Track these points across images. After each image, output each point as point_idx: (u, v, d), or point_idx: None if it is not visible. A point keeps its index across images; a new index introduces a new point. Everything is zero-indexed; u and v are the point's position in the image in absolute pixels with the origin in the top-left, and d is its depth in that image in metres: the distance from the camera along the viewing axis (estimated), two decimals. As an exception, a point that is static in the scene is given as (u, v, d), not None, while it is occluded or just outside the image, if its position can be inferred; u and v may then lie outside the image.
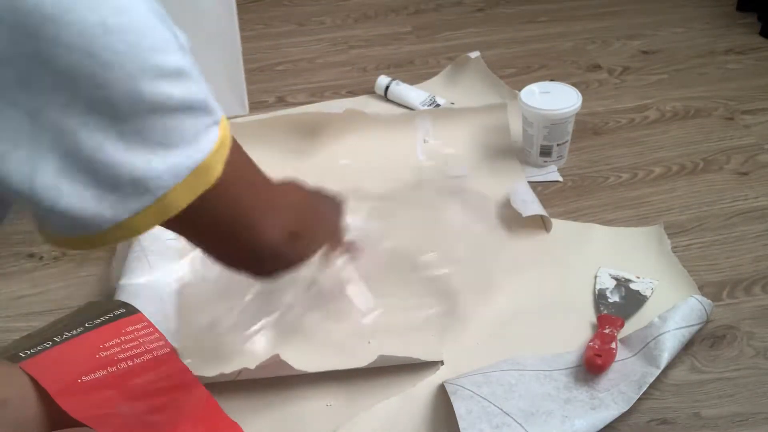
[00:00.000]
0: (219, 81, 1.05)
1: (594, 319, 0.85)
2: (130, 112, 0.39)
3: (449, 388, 0.75)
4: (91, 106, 0.38)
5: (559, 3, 1.60)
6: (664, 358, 0.78)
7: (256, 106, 1.32)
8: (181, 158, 0.43)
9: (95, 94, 0.37)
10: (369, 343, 0.83)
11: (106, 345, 0.70)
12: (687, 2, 1.56)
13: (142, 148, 0.41)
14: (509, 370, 0.78)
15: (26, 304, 0.92)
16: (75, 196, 0.40)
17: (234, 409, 0.77)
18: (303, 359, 0.78)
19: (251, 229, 0.55)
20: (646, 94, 1.28)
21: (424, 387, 0.79)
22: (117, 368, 0.68)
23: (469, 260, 0.94)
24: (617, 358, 0.79)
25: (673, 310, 0.82)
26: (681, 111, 1.23)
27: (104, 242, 0.44)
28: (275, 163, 1.08)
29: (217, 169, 0.45)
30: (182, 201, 0.44)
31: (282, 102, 1.33)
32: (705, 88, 1.28)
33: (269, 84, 1.38)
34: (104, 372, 0.67)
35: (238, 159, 0.51)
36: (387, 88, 1.29)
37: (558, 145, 1.09)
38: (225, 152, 0.47)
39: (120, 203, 0.42)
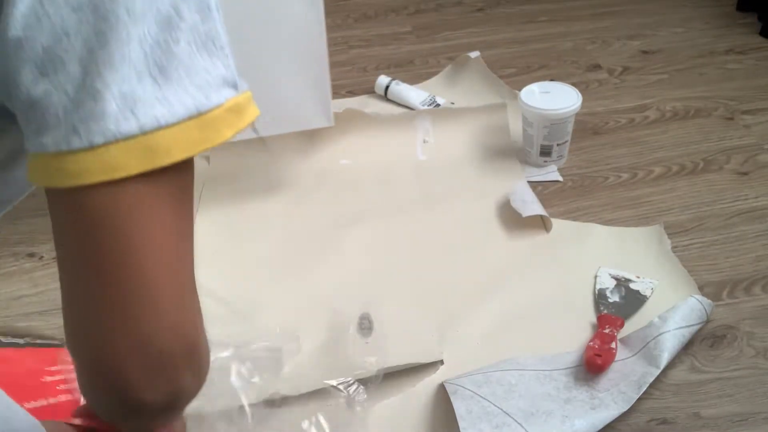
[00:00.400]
0: (303, 91, 0.93)
1: (594, 319, 0.85)
2: (138, 13, 0.34)
3: (449, 388, 0.75)
4: None
5: (559, 3, 1.60)
6: (664, 358, 0.78)
7: (256, 106, 1.32)
8: (182, 95, 0.36)
9: None
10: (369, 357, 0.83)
11: (51, 369, 0.67)
12: (687, 2, 1.56)
13: (141, 62, 0.34)
14: (509, 370, 0.78)
15: (26, 304, 0.92)
16: (55, 83, 0.34)
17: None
18: (300, 379, 0.78)
19: (154, 293, 0.37)
20: (646, 94, 1.28)
21: (424, 387, 0.79)
22: (57, 400, 0.66)
23: (469, 260, 0.94)
24: (617, 357, 0.79)
25: (673, 309, 0.82)
26: (681, 111, 1.23)
27: (76, 174, 0.35)
28: (274, 161, 1.10)
29: (226, 133, 0.37)
30: (177, 151, 0.36)
31: (282, 102, 1.33)
32: (705, 88, 1.28)
33: (269, 84, 1.38)
34: (44, 402, 0.65)
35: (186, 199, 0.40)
36: (387, 87, 1.29)
37: (558, 145, 1.09)
38: (239, 124, 0.38)
39: (99, 119, 0.34)
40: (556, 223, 0.99)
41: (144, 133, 0.35)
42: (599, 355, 0.78)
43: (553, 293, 0.89)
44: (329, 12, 1.65)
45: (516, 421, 0.72)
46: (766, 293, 0.88)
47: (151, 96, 0.35)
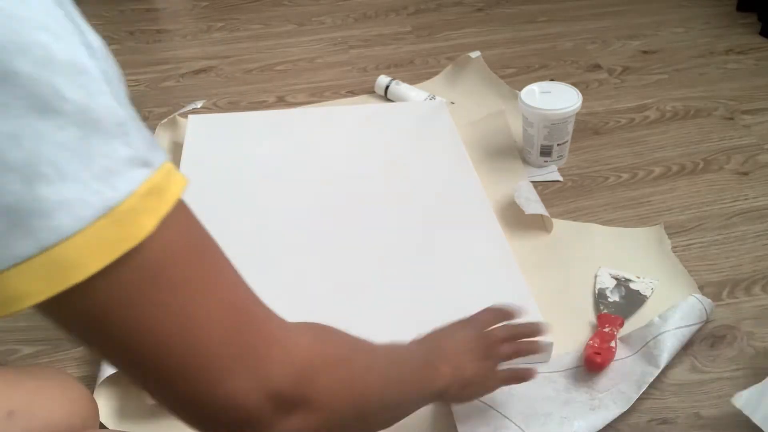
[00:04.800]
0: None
1: (593, 320, 0.85)
2: (3, 107, 0.28)
3: None
4: None
5: (559, 3, 1.60)
6: (664, 358, 0.78)
7: (255, 106, 1.32)
8: (85, 193, 0.29)
9: None
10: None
11: None
12: (687, 2, 1.56)
13: (22, 163, 0.28)
14: None
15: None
16: None
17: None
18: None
19: (205, 371, 0.35)
20: (646, 94, 1.28)
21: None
22: None
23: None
24: (617, 357, 0.79)
25: (673, 309, 0.82)
26: (681, 111, 1.23)
27: None
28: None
29: (147, 223, 0.31)
30: (91, 261, 0.30)
31: (282, 102, 1.33)
32: (705, 88, 1.28)
33: (269, 84, 1.38)
34: None
35: (194, 237, 0.35)
36: (387, 87, 1.29)
37: (558, 145, 1.09)
38: (162, 208, 0.32)
39: None
40: (557, 224, 0.99)
41: (44, 250, 0.29)
42: (598, 354, 0.78)
43: (552, 294, 0.89)
44: (329, 12, 1.66)
45: (515, 423, 0.72)
46: (766, 293, 0.89)
47: (46, 203, 0.29)
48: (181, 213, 0.34)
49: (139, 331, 0.33)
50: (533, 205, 0.98)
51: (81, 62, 0.30)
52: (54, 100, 0.29)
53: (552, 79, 1.20)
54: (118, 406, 0.78)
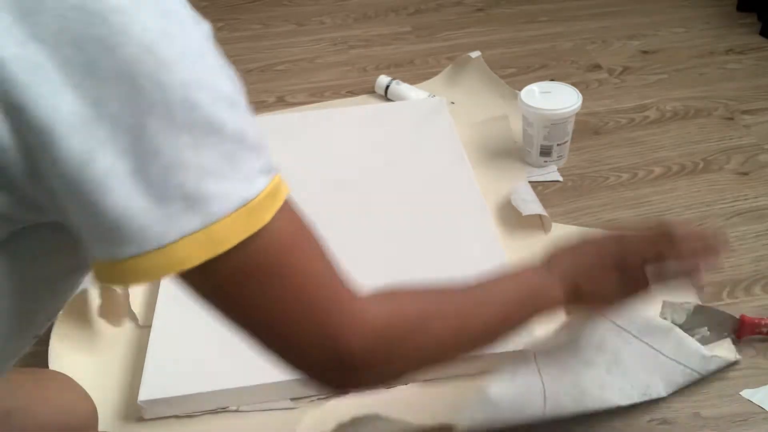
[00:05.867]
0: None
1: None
2: (186, 123, 0.39)
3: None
4: (149, 105, 0.38)
5: (559, 3, 1.60)
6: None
7: (256, 106, 1.32)
8: (234, 188, 0.41)
9: (153, 94, 0.38)
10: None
11: None
12: (687, 2, 1.56)
13: (196, 165, 0.39)
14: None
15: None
16: (123, 197, 0.38)
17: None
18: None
19: (293, 331, 0.46)
20: (646, 94, 1.28)
21: (410, 387, 0.79)
22: None
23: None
24: None
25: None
26: (681, 111, 1.23)
27: (146, 272, 0.40)
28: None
29: (266, 216, 0.42)
30: (233, 236, 0.41)
31: (282, 102, 1.33)
32: (705, 88, 1.28)
33: (269, 84, 1.38)
34: None
35: (297, 226, 0.46)
36: (387, 87, 1.29)
37: (558, 145, 1.09)
38: (276, 205, 0.43)
39: (167, 220, 0.39)
40: (555, 227, 0.99)
41: (205, 227, 0.40)
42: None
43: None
44: (329, 12, 1.66)
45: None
46: (766, 293, 0.88)
47: (211, 191, 0.40)
48: (286, 209, 0.45)
49: (251, 291, 0.44)
50: (531, 205, 0.98)
51: (237, 98, 0.42)
52: (220, 123, 0.40)
53: (552, 79, 1.19)
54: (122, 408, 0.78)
